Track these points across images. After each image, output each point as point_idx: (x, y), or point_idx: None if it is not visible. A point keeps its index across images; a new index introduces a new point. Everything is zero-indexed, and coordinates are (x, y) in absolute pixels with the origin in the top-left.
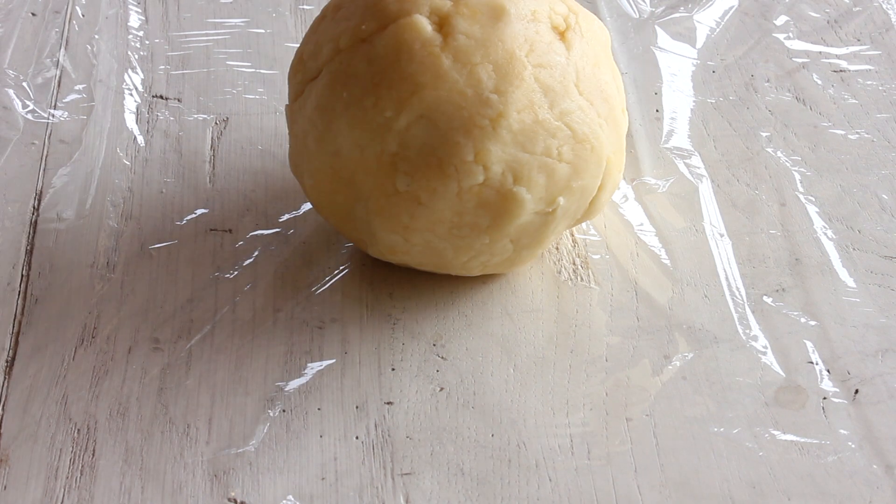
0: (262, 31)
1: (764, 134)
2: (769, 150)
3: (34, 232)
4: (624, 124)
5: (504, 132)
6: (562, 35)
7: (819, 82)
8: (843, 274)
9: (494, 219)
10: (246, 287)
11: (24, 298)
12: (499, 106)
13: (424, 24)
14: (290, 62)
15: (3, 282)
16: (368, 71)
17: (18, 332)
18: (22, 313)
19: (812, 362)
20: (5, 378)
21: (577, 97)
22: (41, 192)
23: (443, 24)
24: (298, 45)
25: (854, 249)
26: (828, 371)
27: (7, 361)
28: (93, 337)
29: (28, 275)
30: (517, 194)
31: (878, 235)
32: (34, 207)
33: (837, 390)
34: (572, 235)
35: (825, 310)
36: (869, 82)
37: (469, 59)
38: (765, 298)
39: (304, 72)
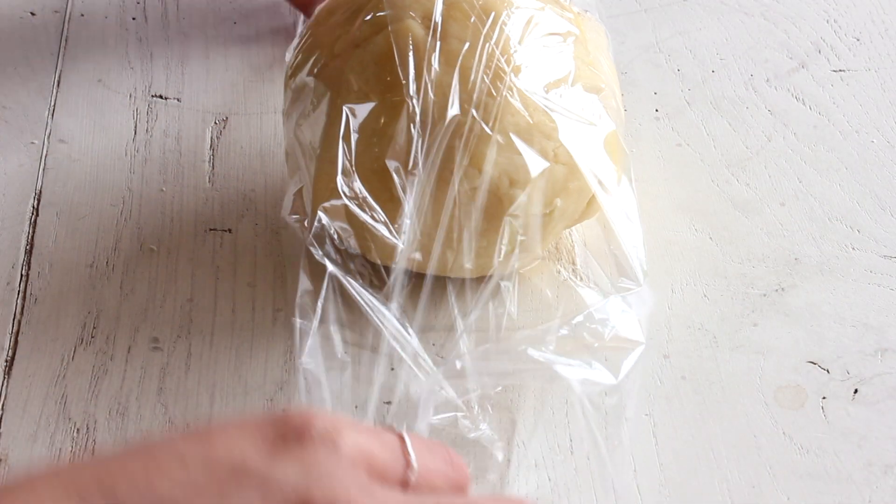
0: (262, 30)
1: (763, 133)
2: (768, 149)
3: (34, 231)
4: (621, 124)
5: (500, 135)
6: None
7: (818, 81)
8: (843, 274)
9: (492, 222)
10: (246, 287)
11: (24, 298)
12: (494, 109)
13: (417, 29)
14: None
15: (3, 281)
16: (362, 76)
17: (18, 332)
18: (21, 313)
19: (812, 362)
20: (5, 378)
21: (574, 98)
22: (41, 191)
23: (436, 28)
24: (293, 51)
25: (854, 249)
26: (827, 371)
27: (6, 361)
28: (92, 337)
29: (27, 274)
30: (514, 197)
31: (877, 235)
32: (34, 207)
33: (837, 390)
34: (571, 235)
35: (824, 310)
36: (867, 81)
37: (463, 63)
38: (764, 298)
39: (298, 77)
